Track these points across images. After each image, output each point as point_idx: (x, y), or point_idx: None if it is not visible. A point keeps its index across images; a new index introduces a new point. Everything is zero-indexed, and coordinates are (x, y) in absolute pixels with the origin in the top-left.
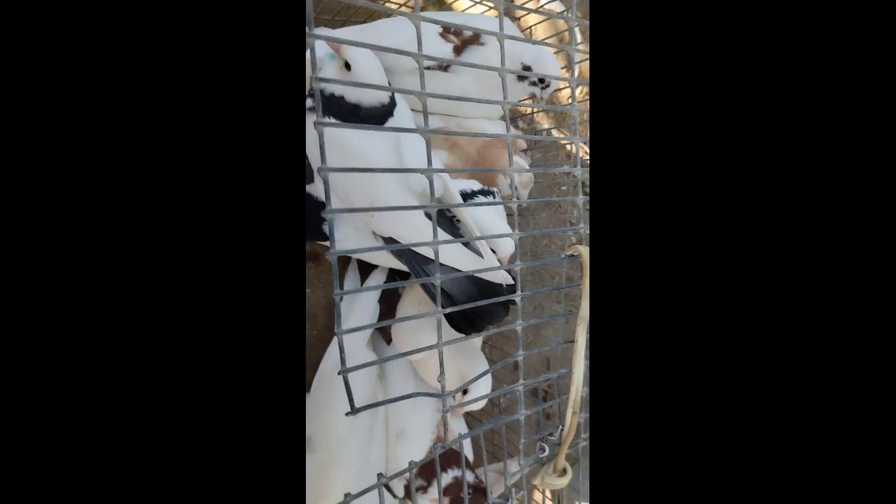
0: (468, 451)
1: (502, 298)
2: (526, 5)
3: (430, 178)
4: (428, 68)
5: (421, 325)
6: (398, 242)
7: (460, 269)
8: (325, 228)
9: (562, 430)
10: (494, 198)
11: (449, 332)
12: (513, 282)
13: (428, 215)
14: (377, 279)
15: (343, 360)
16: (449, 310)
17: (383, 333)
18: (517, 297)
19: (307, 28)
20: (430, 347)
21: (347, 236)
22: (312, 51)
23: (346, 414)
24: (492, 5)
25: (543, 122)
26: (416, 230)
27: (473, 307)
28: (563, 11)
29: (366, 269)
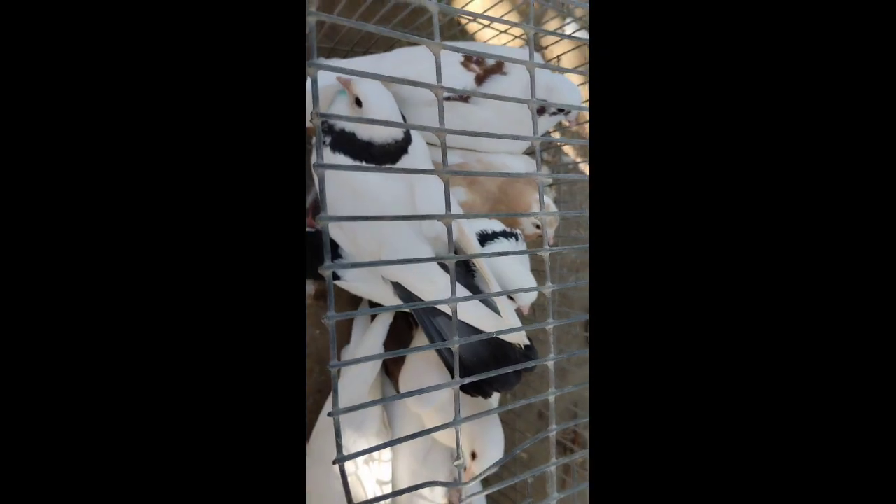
0: None
1: (529, 364)
2: (550, 36)
3: (448, 226)
4: (447, 99)
5: (429, 375)
6: (405, 288)
7: (472, 325)
8: (337, 269)
9: None
10: (517, 240)
11: (463, 403)
12: (529, 342)
13: (443, 264)
14: (384, 320)
15: (339, 446)
16: (468, 380)
17: (391, 376)
18: (550, 362)
19: (309, 58)
20: (447, 426)
21: (358, 276)
22: (314, 82)
23: None
24: (519, 33)
25: (569, 153)
26: (427, 278)
27: (484, 376)
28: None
29: (377, 306)
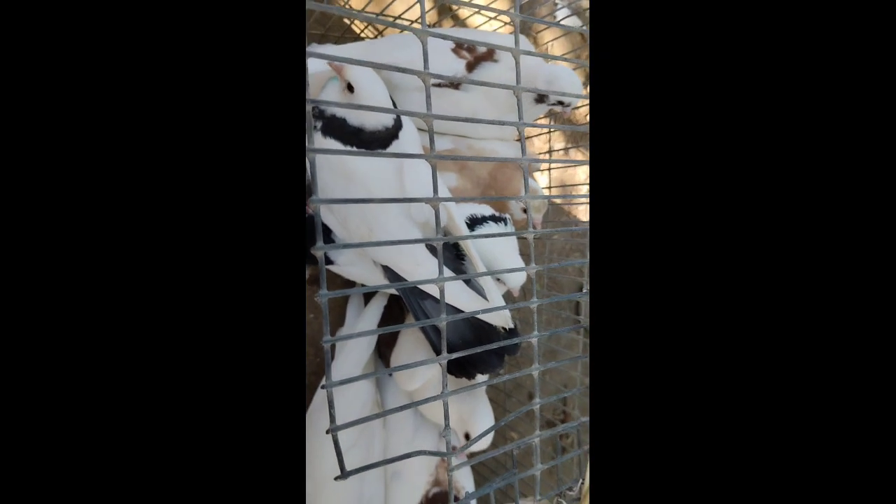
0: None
1: (512, 342)
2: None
3: (436, 209)
4: (438, 85)
5: (418, 356)
6: (395, 272)
7: (460, 309)
8: (330, 253)
9: (581, 483)
10: (506, 224)
11: (450, 384)
12: (513, 326)
13: (431, 248)
14: (377, 304)
15: (332, 417)
16: (455, 355)
17: (382, 356)
18: (534, 338)
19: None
20: (435, 398)
21: (350, 261)
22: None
23: (336, 478)
24: (507, 20)
25: (559, 140)
26: (415, 261)
27: (469, 353)
28: (583, 27)
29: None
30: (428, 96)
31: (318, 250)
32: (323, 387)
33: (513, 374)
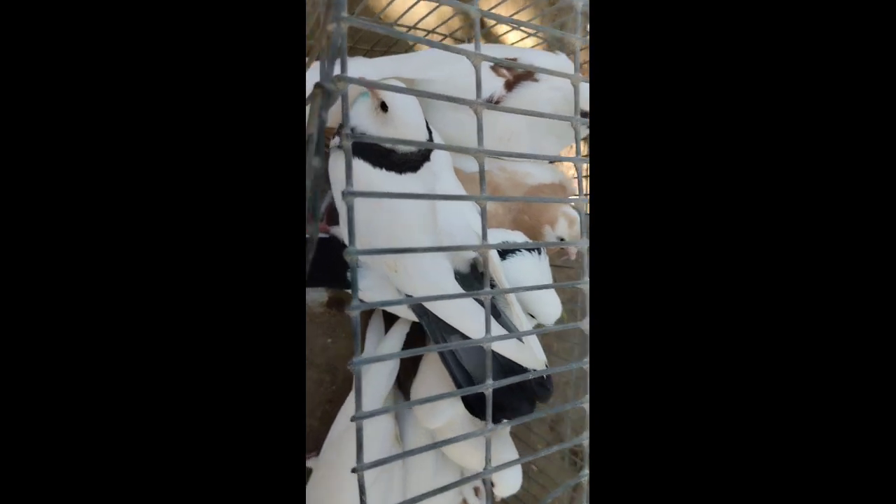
0: None
1: (555, 410)
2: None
3: (485, 257)
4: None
5: (439, 388)
6: (420, 300)
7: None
8: (349, 275)
9: None
10: (539, 254)
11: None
12: (545, 366)
13: (459, 277)
14: (399, 331)
15: (360, 452)
16: (500, 427)
17: (402, 388)
18: (585, 405)
19: (340, 69)
20: (479, 476)
21: (371, 286)
22: (344, 98)
23: None
24: (545, 36)
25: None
26: (436, 287)
27: (499, 397)
28: None
29: (391, 316)
30: (479, 129)
31: (354, 310)
32: (353, 419)
33: (555, 447)
